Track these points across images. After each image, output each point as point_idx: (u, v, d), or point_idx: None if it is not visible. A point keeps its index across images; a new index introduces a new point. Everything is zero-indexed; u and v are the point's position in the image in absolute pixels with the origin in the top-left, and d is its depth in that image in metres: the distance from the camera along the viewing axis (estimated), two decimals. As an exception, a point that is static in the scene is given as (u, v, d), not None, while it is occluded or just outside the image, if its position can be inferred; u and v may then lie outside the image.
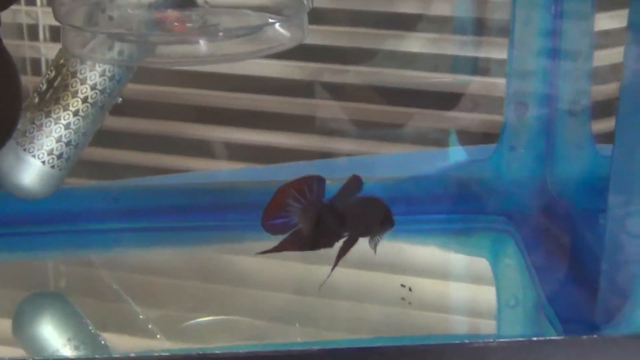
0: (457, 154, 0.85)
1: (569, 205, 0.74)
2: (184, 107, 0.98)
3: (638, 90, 0.56)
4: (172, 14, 0.65)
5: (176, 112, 0.98)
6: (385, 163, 0.88)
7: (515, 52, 0.76)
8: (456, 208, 0.79)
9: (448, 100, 0.91)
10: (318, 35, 0.93)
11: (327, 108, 0.94)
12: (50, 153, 0.71)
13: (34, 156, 0.70)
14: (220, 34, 0.63)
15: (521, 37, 0.75)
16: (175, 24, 0.65)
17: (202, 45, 0.62)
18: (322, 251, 0.63)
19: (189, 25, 0.64)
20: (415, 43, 0.93)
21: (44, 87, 0.71)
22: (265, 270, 0.75)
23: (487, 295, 0.74)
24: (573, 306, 0.66)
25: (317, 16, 0.91)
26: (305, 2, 0.65)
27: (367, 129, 0.92)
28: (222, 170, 0.97)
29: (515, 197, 0.78)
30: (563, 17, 0.74)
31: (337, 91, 0.93)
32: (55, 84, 0.71)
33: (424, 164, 0.84)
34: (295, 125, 0.96)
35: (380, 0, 0.93)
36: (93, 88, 0.70)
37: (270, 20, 0.64)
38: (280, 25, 0.64)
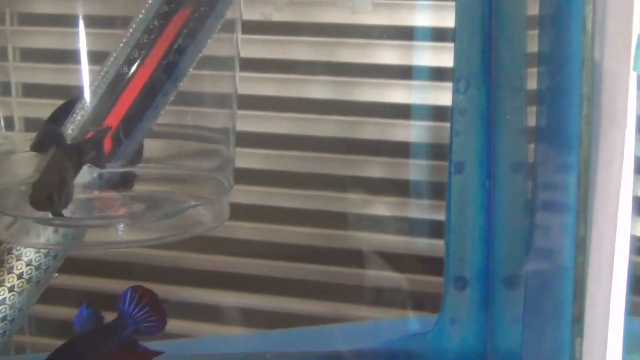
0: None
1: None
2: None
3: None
4: (109, 195, 0.65)
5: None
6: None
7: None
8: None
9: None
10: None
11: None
12: (-16, 328, 0.70)
13: (-33, 331, 0.69)
14: (153, 218, 0.63)
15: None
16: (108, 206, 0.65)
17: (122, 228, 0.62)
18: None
19: (124, 208, 0.64)
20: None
21: (-21, 263, 0.71)
22: None
23: None
24: None
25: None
26: (226, 184, 0.65)
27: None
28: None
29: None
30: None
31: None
32: (-10, 259, 0.70)
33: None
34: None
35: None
36: (28, 264, 0.70)
37: (193, 203, 0.64)
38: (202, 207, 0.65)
